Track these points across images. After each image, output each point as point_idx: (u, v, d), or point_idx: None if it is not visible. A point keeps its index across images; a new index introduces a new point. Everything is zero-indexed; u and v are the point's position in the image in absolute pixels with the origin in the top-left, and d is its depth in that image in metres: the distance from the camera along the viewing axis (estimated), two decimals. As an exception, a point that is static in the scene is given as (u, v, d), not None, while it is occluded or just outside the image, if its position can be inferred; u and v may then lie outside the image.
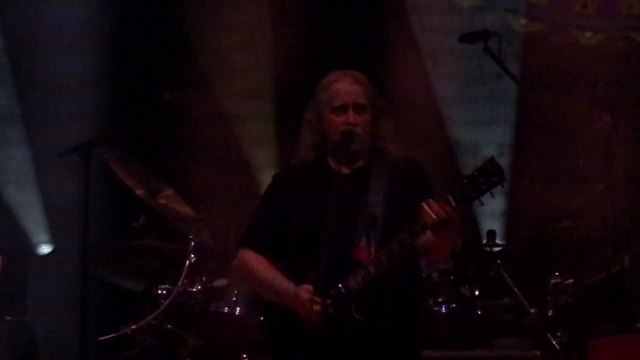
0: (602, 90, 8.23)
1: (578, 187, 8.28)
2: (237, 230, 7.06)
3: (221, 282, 7.06)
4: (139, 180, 7.18)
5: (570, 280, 7.59)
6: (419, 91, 9.21)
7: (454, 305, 7.32)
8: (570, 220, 8.05)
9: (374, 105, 5.03)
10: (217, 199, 8.44)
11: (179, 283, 6.94)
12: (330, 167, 4.97)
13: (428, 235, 4.76)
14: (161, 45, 9.23)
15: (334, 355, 4.79)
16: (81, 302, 5.52)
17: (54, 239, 9.10)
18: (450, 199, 4.67)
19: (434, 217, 4.65)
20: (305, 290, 4.77)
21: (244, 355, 6.95)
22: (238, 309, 6.91)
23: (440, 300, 7.30)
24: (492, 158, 4.72)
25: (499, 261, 7.87)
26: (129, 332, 6.93)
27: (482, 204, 4.76)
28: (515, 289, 7.72)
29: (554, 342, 7.39)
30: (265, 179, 8.80)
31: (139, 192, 7.19)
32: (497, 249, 8.15)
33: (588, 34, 9.56)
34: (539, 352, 7.17)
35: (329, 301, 4.75)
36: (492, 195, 4.72)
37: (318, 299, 4.70)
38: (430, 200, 4.68)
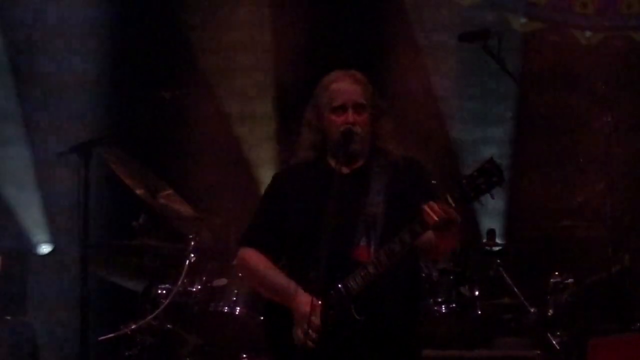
0: (601, 89, 8.23)
1: (578, 187, 8.27)
2: (237, 230, 7.06)
3: (221, 282, 7.06)
4: (138, 180, 7.18)
5: (570, 280, 7.58)
6: (419, 90, 9.21)
7: (453, 305, 7.32)
8: (570, 220, 8.04)
9: (374, 105, 5.03)
10: (217, 198, 8.43)
11: (179, 283, 6.94)
12: (330, 166, 4.97)
13: (428, 235, 4.76)
14: (161, 45, 9.23)
15: (334, 355, 4.79)
16: (81, 302, 5.52)
17: (54, 239, 9.10)
18: (450, 199, 4.67)
19: (435, 217, 4.65)
20: (304, 302, 4.76)
21: (244, 355, 6.95)
22: (238, 308, 6.91)
23: (440, 300, 7.29)
24: (491, 158, 4.71)
25: (498, 261, 7.87)
26: (129, 332, 6.93)
27: (481, 204, 4.75)
28: (515, 289, 7.72)
29: (554, 342, 7.39)
30: (265, 178, 8.81)
31: (138, 191, 7.19)
32: (497, 248, 8.15)
33: (588, 33, 9.56)
34: (539, 352, 7.17)
35: (330, 312, 4.75)
36: (492, 196, 4.71)
37: (317, 315, 4.69)
38: (432, 202, 4.68)
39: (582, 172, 8.54)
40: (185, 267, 6.97)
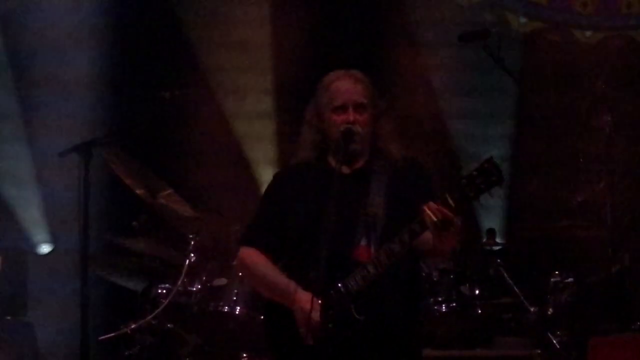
0: (601, 89, 8.23)
1: (578, 187, 8.27)
2: (237, 230, 7.06)
3: (221, 281, 7.06)
4: (138, 179, 7.18)
5: (571, 279, 7.58)
6: (418, 90, 9.21)
7: (454, 304, 7.32)
8: (570, 220, 8.04)
9: (375, 105, 5.03)
10: (217, 198, 8.44)
11: (179, 282, 6.94)
12: (330, 166, 4.97)
13: (428, 235, 4.76)
14: (161, 45, 9.23)
15: (334, 355, 4.79)
16: (81, 302, 5.51)
17: (54, 239, 9.10)
18: (449, 199, 4.67)
19: (434, 218, 4.65)
20: (304, 299, 4.76)
21: (244, 355, 6.95)
22: (238, 308, 6.91)
23: (440, 299, 7.30)
24: (490, 158, 4.71)
25: (498, 260, 7.86)
26: (128, 332, 6.93)
27: (481, 204, 4.75)
28: (515, 288, 7.71)
29: (554, 341, 7.39)
30: (265, 178, 8.82)
31: (138, 191, 7.19)
32: (497, 247, 8.16)
33: (587, 32, 9.56)
34: (539, 351, 7.18)
35: (330, 312, 4.75)
36: (491, 195, 4.71)
37: (317, 311, 4.70)
38: (431, 203, 4.68)
39: (582, 172, 8.54)
40: (185, 267, 6.97)
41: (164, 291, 7.00)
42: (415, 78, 9.18)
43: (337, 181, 4.80)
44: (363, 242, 4.85)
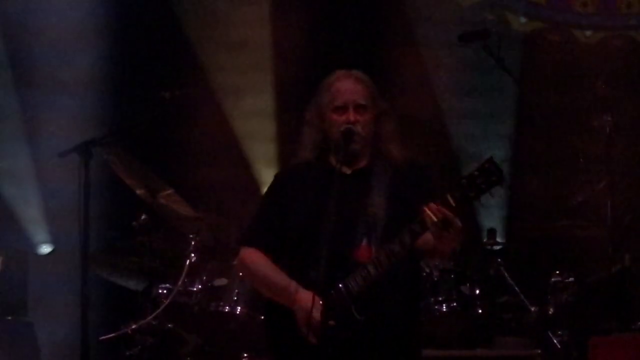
0: (601, 89, 8.23)
1: (578, 187, 8.27)
2: (237, 230, 7.06)
3: (221, 282, 7.06)
4: (139, 179, 7.18)
5: (571, 279, 7.58)
6: (419, 90, 9.21)
7: (454, 304, 7.32)
8: (571, 220, 8.04)
9: (376, 106, 5.03)
10: (218, 198, 8.43)
11: (179, 282, 6.94)
12: (331, 166, 4.97)
13: (428, 236, 4.76)
14: (161, 45, 9.22)
15: (335, 355, 4.78)
16: (81, 302, 5.51)
17: (54, 239, 9.10)
18: (450, 199, 4.67)
19: (435, 218, 4.65)
20: (305, 298, 4.76)
21: (245, 355, 6.96)
22: (238, 308, 6.91)
23: (440, 299, 7.30)
24: (491, 158, 4.72)
25: (499, 260, 7.87)
26: (129, 332, 6.94)
27: (481, 203, 4.75)
28: (516, 288, 7.72)
29: (554, 341, 7.39)
30: (266, 177, 8.83)
31: (139, 191, 7.19)
32: (498, 247, 8.15)
33: (587, 32, 9.56)
34: (539, 351, 7.18)
35: (331, 312, 4.75)
36: (492, 195, 4.72)
37: (318, 309, 4.69)
38: (432, 203, 4.67)
39: (582, 172, 8.54)
40: (186, 267, 6.97)
41: (165, 291, 7.00)
42: (415, 78, 9.18)
43: (338, 181, 4.80)
44: (364, 243, 4.85)
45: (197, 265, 7.06)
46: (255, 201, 5.34)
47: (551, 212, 8.46)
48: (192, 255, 7.03)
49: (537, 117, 9.12)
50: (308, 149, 5.05)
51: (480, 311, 7.40)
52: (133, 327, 6.91)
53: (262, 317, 5.48)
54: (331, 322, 4.75)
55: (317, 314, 4.70)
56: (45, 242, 9.12)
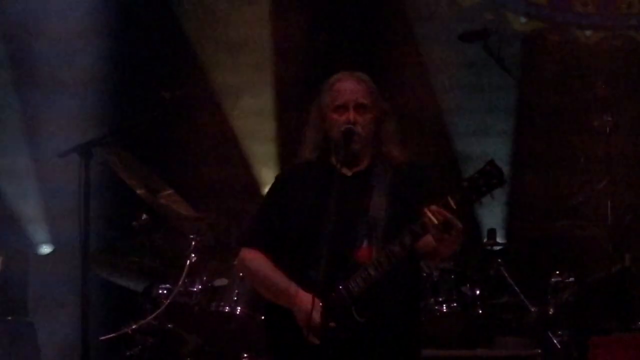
0: (602, 88, 8.23)
1: (578, 186, 8.27)
2: (237, 230, 7.06)
3: (222, 282, 7.05)
4: (139, 179, 7.18)
5: (571, 279, 7.57)
6: (419, 90, 9.21)
7: (454, 304, 7.31)
8: (571, 220, 8.04)
9: (377, 106, 5.02)
10: (218, 197, 8.44)
11: (180, 282, 6.94)
12: (333, 166, 4.96)
13: (429, 238, 4.76)
14: (161, 45, 9.23)
15: (335, 356, 4.78)
16: (81, 302, 5.50)
17: (54, 239, 9.10)
18: (451, 201, 4.67)
19: (435, 220, 4.65)
20: (305, 300, 4.76)
21: (245, 355, 6.95)
22: (239, 308, 6.90)
23: (440, 299, 7.29)
24: (492, 160, 4.72)
25: (499, 260, 7.86)
26: (129, 332, 6.93)
27: (481, 204, 4.75)
28: (516, 288, 7.71)
29: (554, 341, 7.38)
30: (266, 177, 8.83)
31: (139, 191, 7.19)
32: (498, 247, 8.15)
33: (588, 32, 9.56)
34: (539, 351, 7.17)
35: (331, 313, 4.75)
36: (492, 197, 4.72)
37: (318, 310, 4.69)
38: (433, 206, 4.67)
39: (582, 172, 8.55)
40: (186, 267, 6.97)
41: (165, 291, 6.99)
42: (415, 77, 9.18)
43: (338, 181, 4.79)
44: (364, 244, 4.85)
45: (197, 265, 7.05)
46: (255, 201, 5.35)
47: (551, 212, 8.46)
48: (193, 255, 7.02)
49: (537, 116, 9.13)
50: (309, 149, 5.05)
51: (480, 311, 7.39)
52: (133, 327, 6.91)
53: (262, 318, 5.48)
54: (332, 324, 4.75)
55: (317, 316, 4.70)
56: (45, 242, 9.12)
